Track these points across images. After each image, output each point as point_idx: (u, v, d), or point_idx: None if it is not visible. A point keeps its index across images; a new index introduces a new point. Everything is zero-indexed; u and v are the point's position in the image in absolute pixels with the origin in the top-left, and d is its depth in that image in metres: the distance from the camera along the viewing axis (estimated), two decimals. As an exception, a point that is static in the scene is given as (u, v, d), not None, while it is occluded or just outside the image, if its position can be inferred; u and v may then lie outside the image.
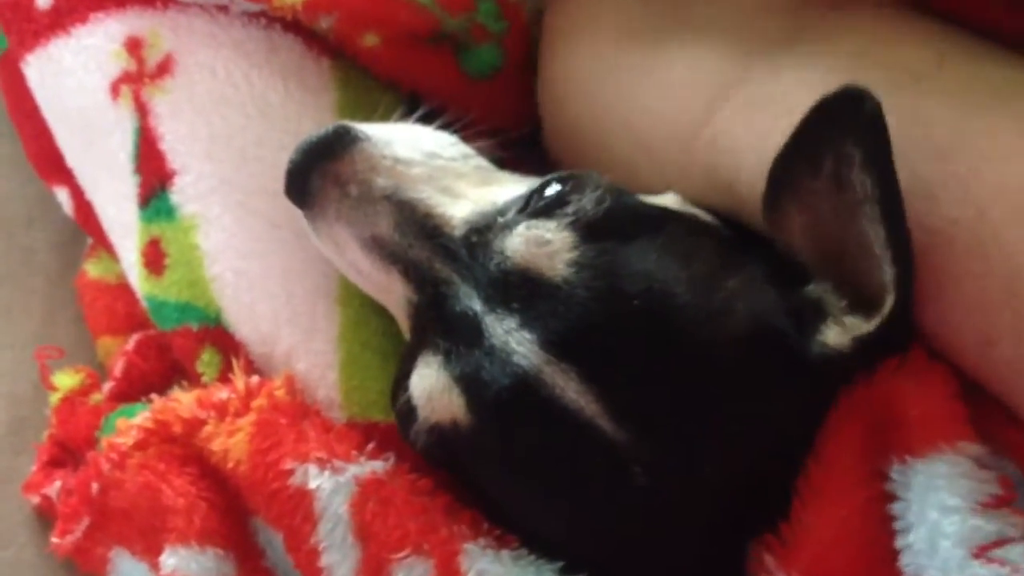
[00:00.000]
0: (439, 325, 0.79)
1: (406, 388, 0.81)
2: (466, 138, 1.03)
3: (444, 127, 0.98)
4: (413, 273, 0.82)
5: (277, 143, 0.96)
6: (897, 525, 0.72)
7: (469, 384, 0.76)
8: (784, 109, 0.78)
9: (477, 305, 0.77)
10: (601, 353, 0.74)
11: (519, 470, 0.78)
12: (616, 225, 0.78)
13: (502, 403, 0.75)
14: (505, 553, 0.81)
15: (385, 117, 0.99)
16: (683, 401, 0.73)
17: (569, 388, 0.73)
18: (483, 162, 0.92)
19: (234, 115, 0.97)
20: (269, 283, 0.93)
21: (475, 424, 0.76)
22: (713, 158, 0.86)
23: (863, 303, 0.75)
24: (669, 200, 0.88)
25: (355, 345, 0.92)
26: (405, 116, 0.99)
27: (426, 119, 0.99)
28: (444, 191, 0.84)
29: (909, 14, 0.83)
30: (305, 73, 1.00)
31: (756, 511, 0.76)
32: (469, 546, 0.80)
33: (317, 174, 0.83)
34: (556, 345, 0.74)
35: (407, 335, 0.85)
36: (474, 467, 0.82)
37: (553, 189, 0.81)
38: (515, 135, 1.06)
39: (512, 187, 0.86)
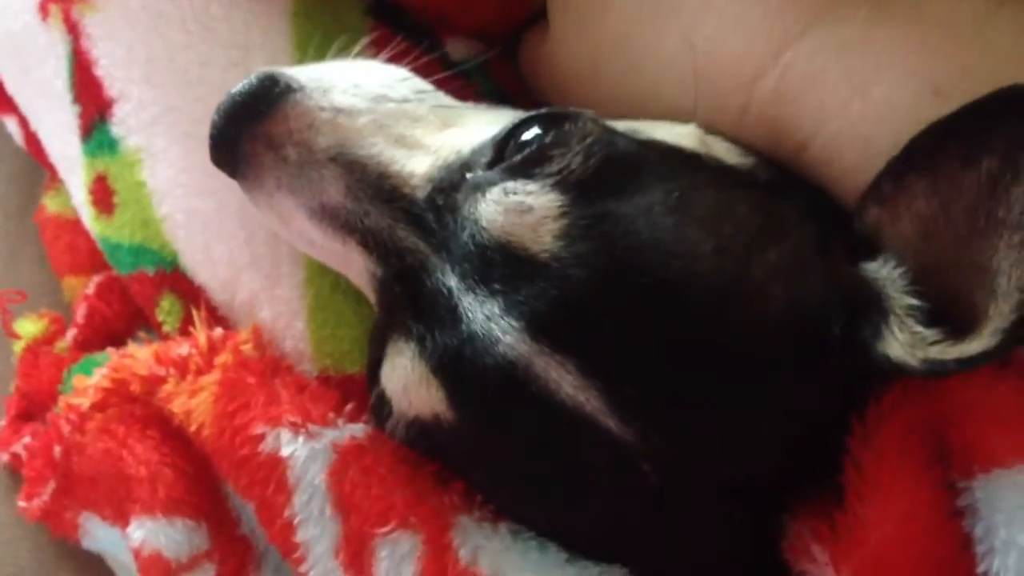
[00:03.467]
0: (409, 304, 0.64)
1: (378, 380, 0.67)
2: (444, 37, 0.87)
3: (415, 32, 0.82)
4: (373, 243, 0.66)
5: (224, 60, 0.80)
6: (979, 549, 0.59)
7: (448, 376, 0.62)
8: (880, 63, 0.64)
9: (452, 281, 0.63)
10: (602, 342, 0.59)
11: (510, 468, 0.65)
12: (614, 178, 0.62)
13: (487, 398, 0.61)
14: (503, 527, 0.68)
15: (348, 22, 0.83)
16: (698, 397, 0.59)
17: (565, 382, 0.59)
18: (441, 97, 0.75)
19: (173, 32, 0.81)
20: (225, 223, 0.79)
21: (459, 420, 0.63)
22: (779, 109, 0.69)
23: (938, 314, 0.60)
24: (686, 135, 0.70)
25: (324, 288, 0.77)
26: (371, 20, 0.83)
27: (397, 24, 0.83)
28: (398, 142, 0.68)
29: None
30: (252, -24, 0.82)
31: (784, 493, 0.65)
32: (462, 519, 0.68)
33: (246, 138, 0.67)
34: (548, 333, 0.59)
35: (375, 307, 0.70)
36: (462, 462, 0.69)
37: (531, 134, 0.65)
38: (499, 35, 0.90)
39: (479, 129, 0.70)
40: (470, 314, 0.61)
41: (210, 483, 0.76)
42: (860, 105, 0.65)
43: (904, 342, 0.59)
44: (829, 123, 0.67)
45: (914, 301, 0.60)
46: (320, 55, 0.78)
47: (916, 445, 0.61)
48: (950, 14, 0.65)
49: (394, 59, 0.78)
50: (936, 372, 0.58)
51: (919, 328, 0.59)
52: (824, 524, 0.62)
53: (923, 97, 0.62)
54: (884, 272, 0.62)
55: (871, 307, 0.61)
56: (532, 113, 0.67)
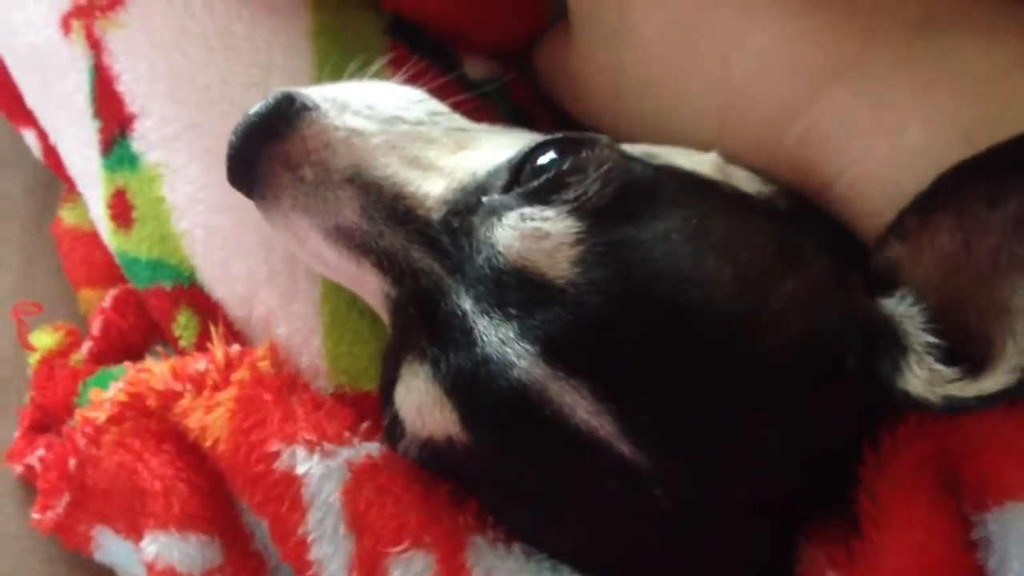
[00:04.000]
0: (424, 325, 0.64)
1: (392, 402, 0.66)
2: (462, 56, 0.87)
3: (433, 51, 0.83)
4: (388, 264, 0.66)
5: (245, 79, 0.81)
6: None
7: (462, 398, 0.62)
8: (911, 108, 0.64)
9: (467, 304, 0.62)
10: (617, 368, 0.59)
11: (522, 491, 0.65)
12: (630, 205, 0.62)
13: (501, 421, 0.61)
14: (517, 548, 0.68)
15: (368, 41, 0.84)
16: (713, 425, 0.59)
17: (580, 407, 0.59)
18: (455, 120, 0.75)
19: (196, 49, 0.81)
20: (243, 240, 0.79)
21: (472, 442, 0.63)
22: (807, 150, 0.69)
23: (953, 352, 0.60)
24: (705, 162, 0.70)
25: (340, 306, 0.77)
26: (390, 39, 0.84)
27: (414, 41, 0.83)
28: (412, 164, 0.68)
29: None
30: (274, -5, 0.83)
31: (797, 516, 0.65)
32: (476, 539, 0.68)
33: (263, 158, 0.67)
34: (563, 358, 0.59)
35: (389, 328, 0.70)
36: (474, 484, 0.69)
37: (547, 158, 0.65)
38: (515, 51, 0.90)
39: (493, 151, 0.70)
40: (485, 337, 0.61)
41: (224, 498, 0.76)
42: (889, 149, 0.65)
43: (923, 379, 0.59)
44: (856, 164, 0.67)
45: (932, 339, 0.60)
46: (339, 74, 0.79)
47: (929, 477, 0.61)
48: (982, 62, 0.65)
49: (412, 79, 0.79)
50: (956, 409, 0.58)
51: (938, 366, 0.59)
52: (841, 551, 0.62)
53: (953, 144, 0.62)
54: (902, 308, 0.62)
55: (889, 342, 0.61)
56: (548, 137, 0.67)
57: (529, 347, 0.59)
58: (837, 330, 0.61)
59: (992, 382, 0.57)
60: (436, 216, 0.65)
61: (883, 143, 0.65)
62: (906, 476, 0.61)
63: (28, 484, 0.92)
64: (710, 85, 0.72)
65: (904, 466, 0.61)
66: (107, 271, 0.97)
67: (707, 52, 0.72)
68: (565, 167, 0.63)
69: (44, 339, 0.94)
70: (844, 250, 0.66)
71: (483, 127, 0.76)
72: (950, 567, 0.59)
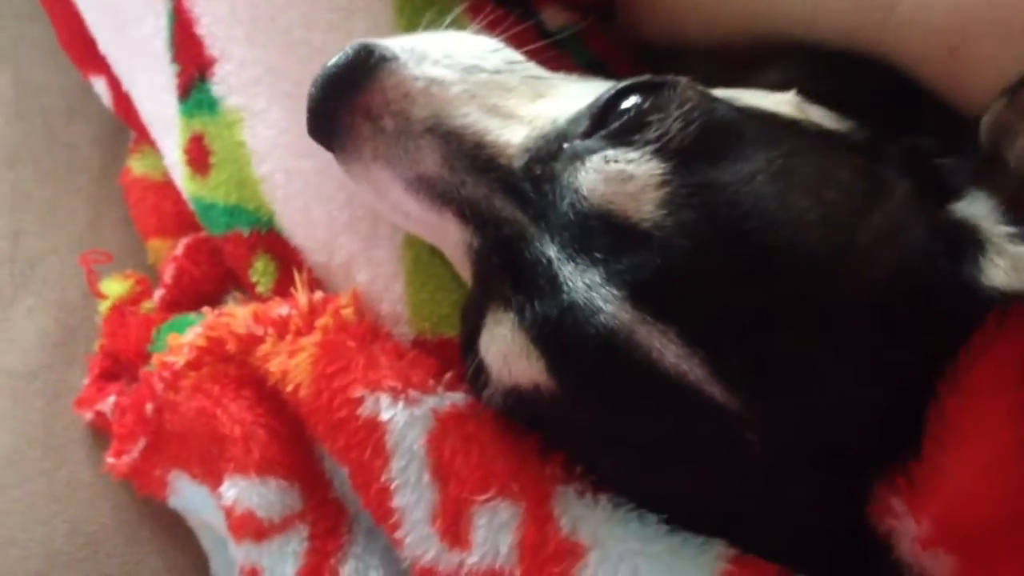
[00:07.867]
0: (508, 274, 0.63)
1: (476, 351, 0.66)
2: (540, 6, 0.85)
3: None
4: (470, 214, 0.65)
5: (327, 23, 0.79)
6: None
7: (549, 346, 0.61)
8: None
9: (551, 251, 0.61)
10: (706, 310, 0.58)
11: (611, 438, 0.64)
12: (714, 146, 0.60)
13: (588, 367, 0.60)
14: (603, 499, 0.67)
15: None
16: (805, 365, 0.58)
17: (668, 351, 0.58)
18: (532, 68, 0.73)
19: None
20: (324, 185, 0.78)
21: (559, 389, 0.62)
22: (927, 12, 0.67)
23: None
24: (783, 102, 0.69)
25: (422, 252, 0.76)
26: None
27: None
28: (492, 112, 0.67)
29: None
30: (357, -65, 0.81)
31: (882, 460, 0.63)
32: (563, 489, 0.67)
33: (344, 110, 0.66)
34: (650, 302, 0.58)
35: (468, 281, 0.69)
36: (561, 432, 0.68)
37: (630, 102, 0.63)
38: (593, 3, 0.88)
39: (571, 99, 0.68)
40: (570, 283, 0.60)
41: (303, 445, 0.76)
42: None
43: (1007, 267, 0.58)
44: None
45: (1010, 228, 0.59)
46: (420, 19, 0.77)
47: (1006, 386, 0.59)
48: None
49: (489, 26, 0.77)
50: None
51: (1019, 248, 0.58)
52: (901, 476, 0.60)
53: None
54: (974, 208, 0.61)
55: (968, 244, 0.60)
56: (629, 81, 0.66)
57: (616, 291, 0.58)
58: (923, 251, 0.60)
59: None
60: (518, 164, 0.64)
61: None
62: (979, 388, 0.59)
63: (97, 432, 0.92)
64: None
65: (979, 376, 0.59)
66: (177, 220, 0.97)
67: None
68: (646, 106, 0.62)
69: (114, 287, 0.94)
70: (919, 163, 0.65)
71: (560, 76, 0.75)
72: (1013, 487, 0.58)
